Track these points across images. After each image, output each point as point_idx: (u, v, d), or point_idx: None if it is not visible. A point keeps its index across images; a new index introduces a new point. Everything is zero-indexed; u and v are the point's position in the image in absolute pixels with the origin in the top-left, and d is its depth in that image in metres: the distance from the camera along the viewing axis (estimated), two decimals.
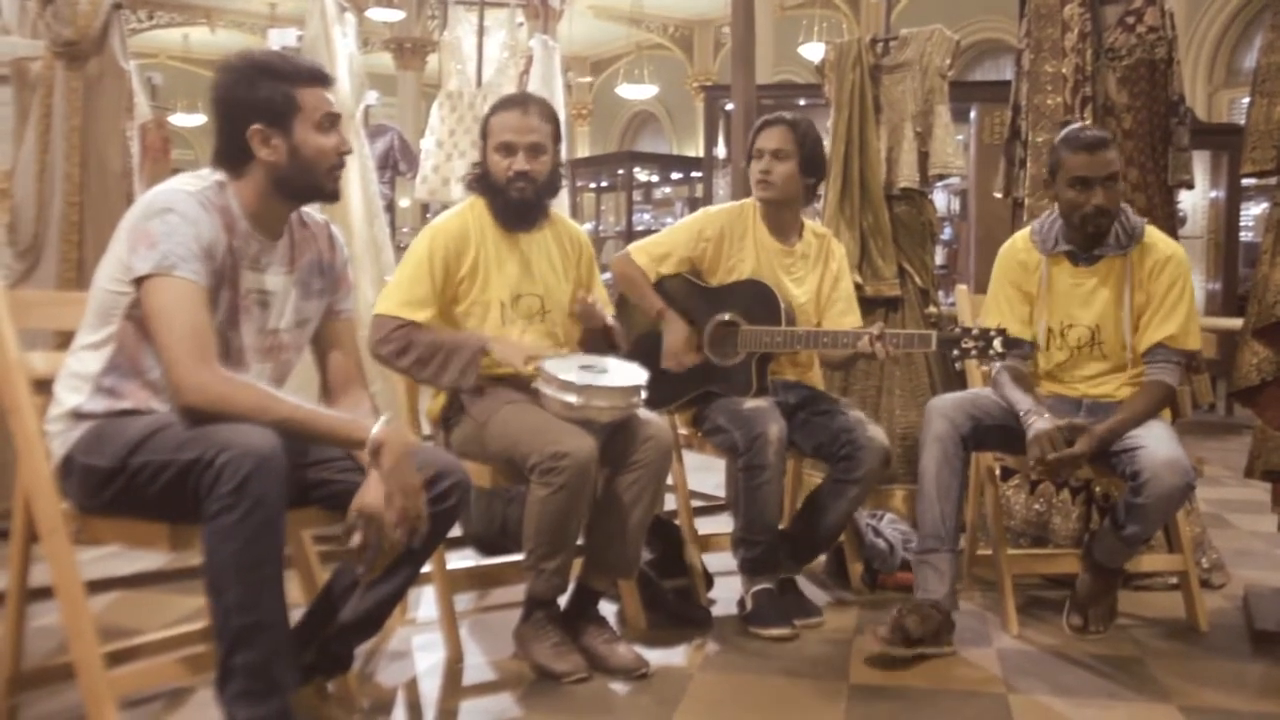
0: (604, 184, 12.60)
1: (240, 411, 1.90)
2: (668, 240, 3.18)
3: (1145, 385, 2.82)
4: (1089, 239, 2.86)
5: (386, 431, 1.98)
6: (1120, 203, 2.86)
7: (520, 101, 2.81)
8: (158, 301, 1.93)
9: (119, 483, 1.92)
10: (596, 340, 2.84)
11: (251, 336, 2.10)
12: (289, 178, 2.08)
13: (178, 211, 1.96)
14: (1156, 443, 2.65)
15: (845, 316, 3.15)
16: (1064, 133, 2.92)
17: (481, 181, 2.80)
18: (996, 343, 2.71)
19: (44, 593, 2.11)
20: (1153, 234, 2.90)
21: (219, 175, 2.08)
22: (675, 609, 2.98)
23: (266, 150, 2.06)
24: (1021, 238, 3.02)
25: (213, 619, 1.86)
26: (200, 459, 1.82)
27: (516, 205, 2.76)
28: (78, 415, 1.99)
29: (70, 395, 2.01)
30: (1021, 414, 2.77)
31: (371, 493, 1.98)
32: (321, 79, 2.13)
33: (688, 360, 3.04)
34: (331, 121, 2.11)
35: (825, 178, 3.85)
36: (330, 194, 2.15)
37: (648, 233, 7.79)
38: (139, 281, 1.94)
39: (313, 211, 2.28)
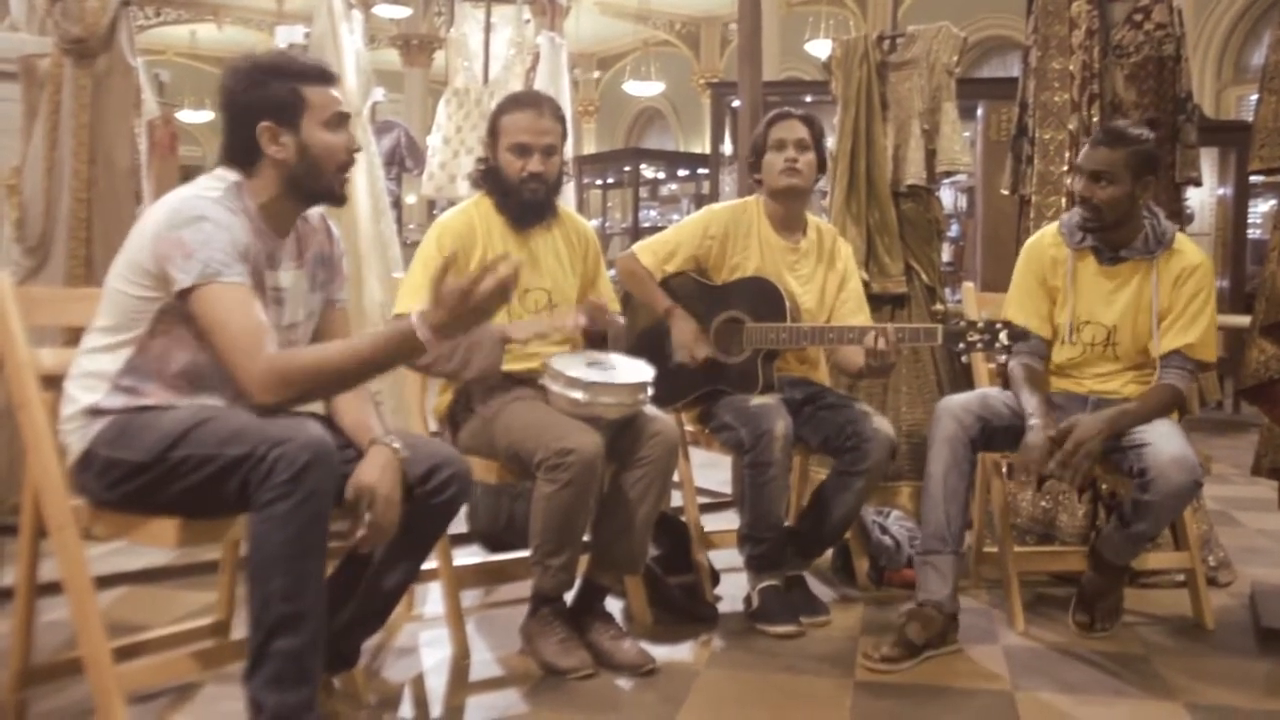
0: (610, 181, 12.60)
1: (301, 379, 1.91)
2: (673, 239, 3.18)
3: (1155, 387, 2.81)
4: (1104, 235, 2.85)
5: (422, 311, 1.94)
6: (1120, 207, 2.79)
7: (533, 101, 2.81)
8: (212, 311, 1.93)
9: (150, 476, 1.93)
10: (592, 339, 2.84)
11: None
12: (298, 176, 2.08)
13: (210, 219, 1.97)
14: (1163, 440, 2.64)
15: (855, 316, 3.15)
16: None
17: (490, 179, 2.80)
18: (1002, 335, 2.70)
19: (53, 588, 2.12)
20: (1183, 241, 2.87)
21: (234, 177, 2.08)
22: (681, 605, 2.98)
23: (275, 148, 2.06)
24: (1050, 232, 3.00)
25: (252, 606, 1.86)
26: (252, 454, 1.83)
27: (528, 205, 2.76)
28: (95, 412, 2.00)
29: (85, 394, 2.01)
30: (1026, 418, 2.76)
31: (367, 468, 1.99)
32: (328, 78, 2.13)
33: (700, 352, 3.03)
34: (340, 120, 2.12)
35: (831, 176, 3.87)
36: (338, 197, 2.15)
37: (654, 229, 7.81)
38: (184, 294, 1.94)
39: None
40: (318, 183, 2.10)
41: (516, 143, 2.73)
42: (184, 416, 1.96)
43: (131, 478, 1.94)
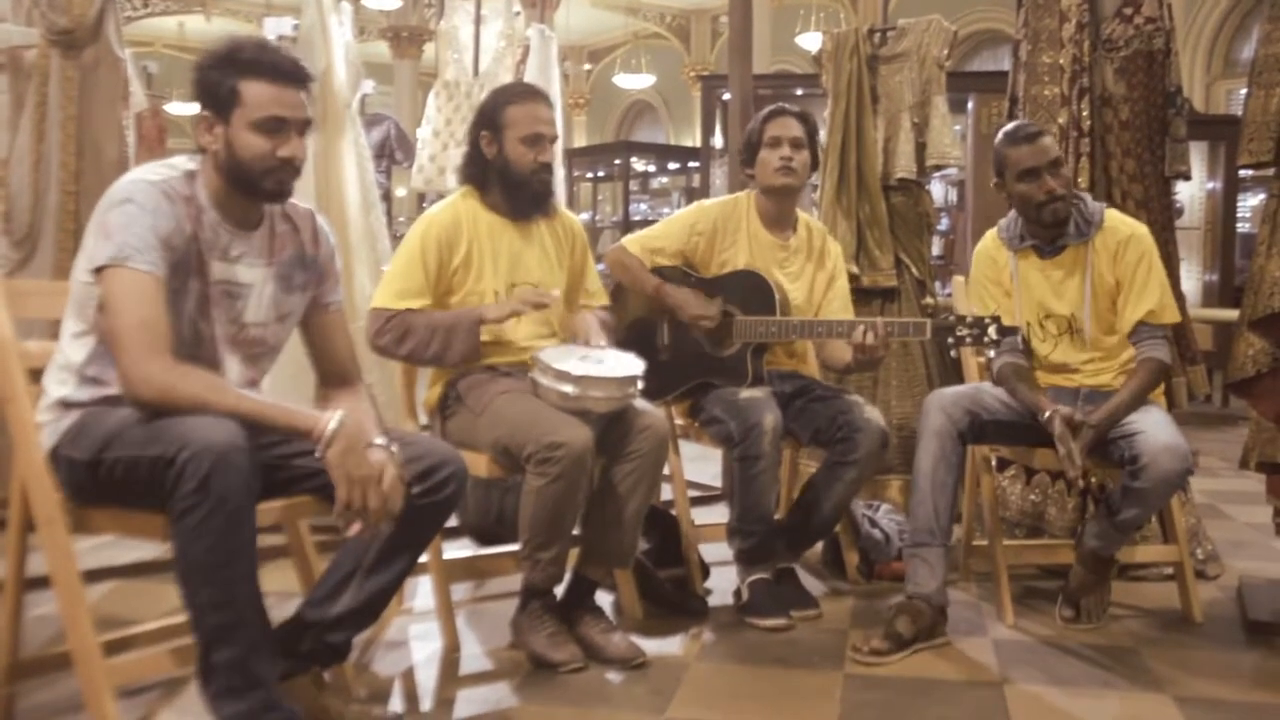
0: (600, 174, 12.59)
1: (184, 403, 1.88)
2: (661, 234, 3.18)
3: (1137, 365, 2.83)
4: (1049, 229, 2.87)
5: (339, 423, 1.93)
6: (1072, 186, 2.88)
7: (535, 93, 2.82)
8: (111, 293, 1.92)
9: (98, 476, 1.93)
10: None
11: (222, 327, 2.09)
12: (227, 170, 2.05)
13: (135, 202, 1.95)
14: (1155, 428, 2.66)
15: (840, 316, 3.15)
16: (1001, 133, 2.95)
17: (489, 173, 2.77)
18: (991, 330, 2.72)
19: (41, 582, 2.11)
20: (1112, 216, 2.92)
21: (191, 164, 2.07)
22: (671, 599, 2.99)
23: (209, 138, 2.05)
24: (990, 236, 3.05)
25: (189, 618, 1.86)
26: (163, 456, 1.81)
27: (538, 197, 2.77)
28: (65, 405, 2.00)
29: (57, 387, 2.02)
30: (1037, 414, 2.75)
31: (364, 461, 1.96)
32: (285, 77, 2.04)
33: (712, 309, 3.02)
34: (273, 124, 2.02)
35: (821, 169, 3.87)
36: (268, 195, 2.08)
37: (645, 223, 7.81)
38: (97, 273, 1.94)
39: (297, 202, 2.26)
40: (243, 178, 2.04)
41: (532, 133, 2.73)
42: (123, 416, 1.94)
43: (87, 476, 1.95)
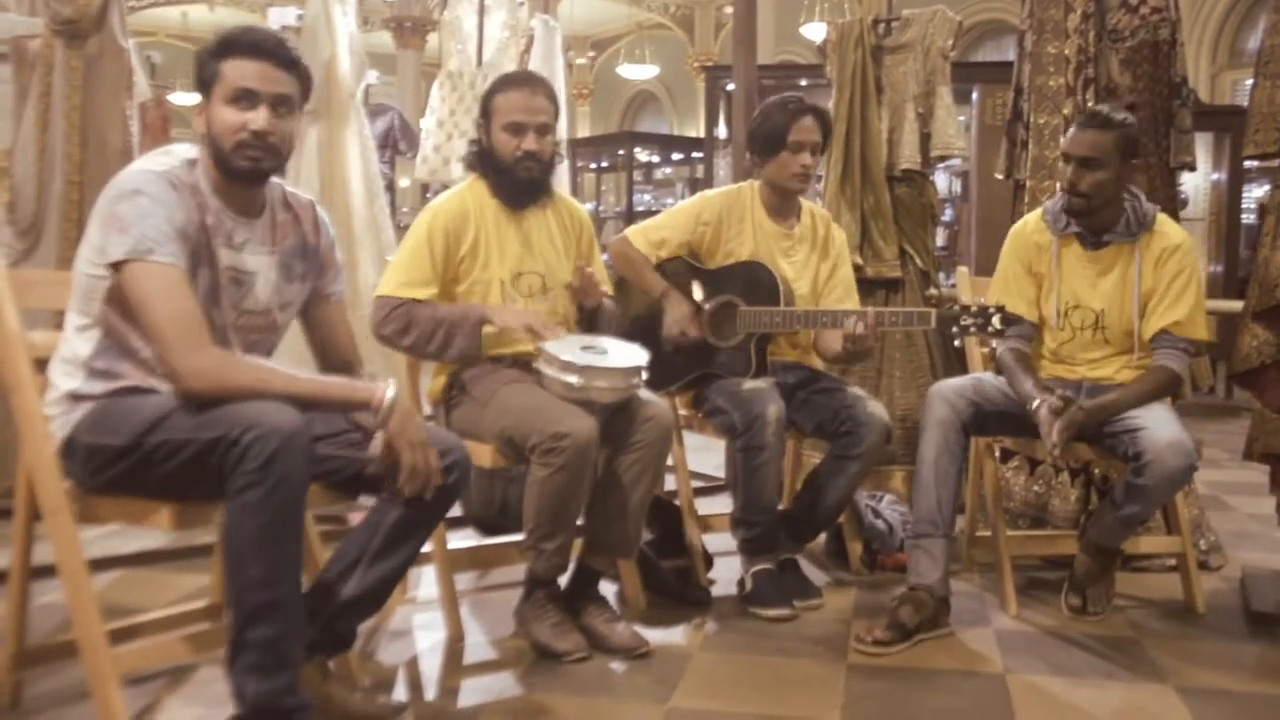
0: (604, 164, 12.57)
1: (240, 391, 1.89)
2: (666, 224, 3.18)
3: (1150, 370, 2.82)
4: (1088, 220, 2.85)
5: (395, 391, 2.01)
6: (1106, 191, 2.80)
7: (526, 81, 2.81)
8: (141, 288, 1.92)
9: (130, 460, 1.92)
10: (584, 319, 2.84)
11: (230, 315, 2.10)
12: (210, 150, 2.05)
13: (147, 193, 1.95)
14: (1159, 424, 2.65)
15: (843, 303, 3.15)
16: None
17: (485, 160, 2.79)
18: (995, 319, 2.72)
19: (47, 571, 2.12)
20: (1164, 222, 2.89)
21: (191, 152, 2.07)
22: (675, 589, 2.99)
23: (199, 122, 2.06)
24: (1033, 219, 3.01)
25: (229, 593, 1.87)
26: (225, 436, 1.82)
27: (523, 184, 2.76)
28: (76, 398, 2.00)
29: (65, 380, 2.01)
30: (1026, 402, 2.75)
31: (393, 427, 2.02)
32: (259, 52, 2.03)
33: (691, 331, 3.02)
34: (244, 96, 2.02)
35: (826, 160, 3.87)
36: (243, 173, 2.05)
37: (648, 213, 7.79)
38: (116, 267, 1.93)
39: (299, 192, 2.26)
40: (221, 158, 2.03)
41: (511, 121, 2.73)
42: (163, 401, 1.95)
43: (113, 463, 1.94)
